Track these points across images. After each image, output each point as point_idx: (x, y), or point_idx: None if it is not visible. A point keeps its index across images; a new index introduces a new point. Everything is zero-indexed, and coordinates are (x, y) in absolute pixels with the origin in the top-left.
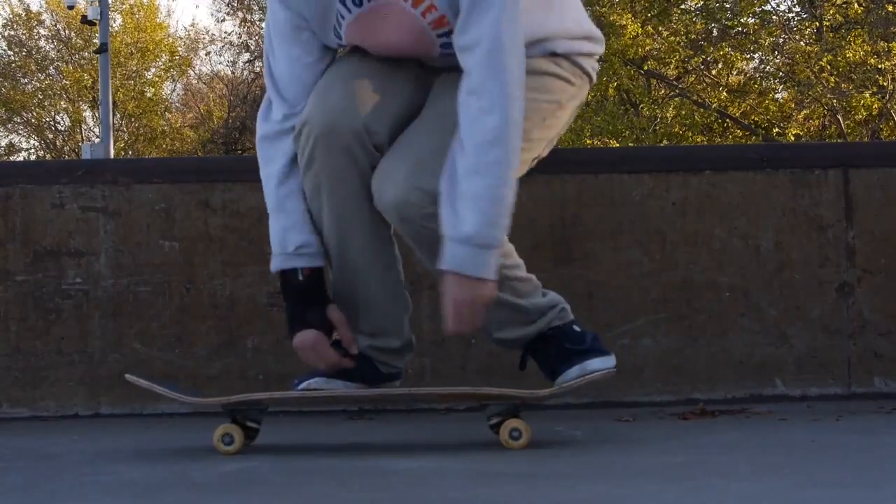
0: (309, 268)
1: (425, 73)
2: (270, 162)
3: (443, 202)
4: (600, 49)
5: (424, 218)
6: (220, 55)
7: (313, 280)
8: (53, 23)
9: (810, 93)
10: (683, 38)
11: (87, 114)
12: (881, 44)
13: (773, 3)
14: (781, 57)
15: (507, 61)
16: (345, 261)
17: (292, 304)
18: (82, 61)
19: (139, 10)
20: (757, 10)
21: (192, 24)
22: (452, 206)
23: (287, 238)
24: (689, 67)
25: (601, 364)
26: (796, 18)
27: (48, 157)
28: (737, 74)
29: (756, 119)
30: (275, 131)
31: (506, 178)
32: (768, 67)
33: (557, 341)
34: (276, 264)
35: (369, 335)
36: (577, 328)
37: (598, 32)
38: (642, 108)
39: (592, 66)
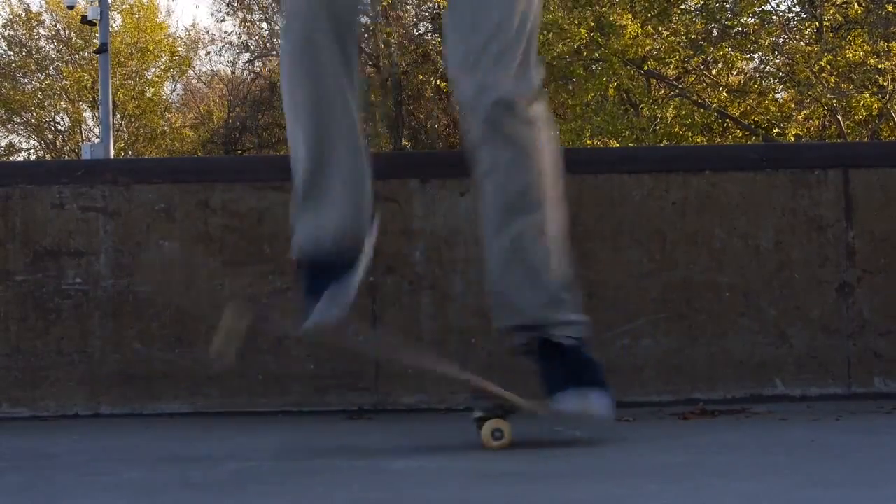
0: None
1: None
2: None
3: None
4: None
5: (523, 115)
6: (220, 55)
7: None
8: (53, 23)
9: (810, 93)
10: (683, 38)
11: (87, 114)
12: (881, 44)
13: (772, 3)
14: (781, 57)
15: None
16: (312, 136)
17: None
18: (82, 61)
19: (139, 10)
20: (757, 10)
21: (193, 25)
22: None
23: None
24: (689, 67)
25: (597, 407)
26: (796, 18)
27: (48, 157)
28: (737, 74)
29: (756, 119)
30: None
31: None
32: (768, 67)
33: (568, 357)
34: None
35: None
36: (589, 354)
37: None
38: (642, 108)
39: None
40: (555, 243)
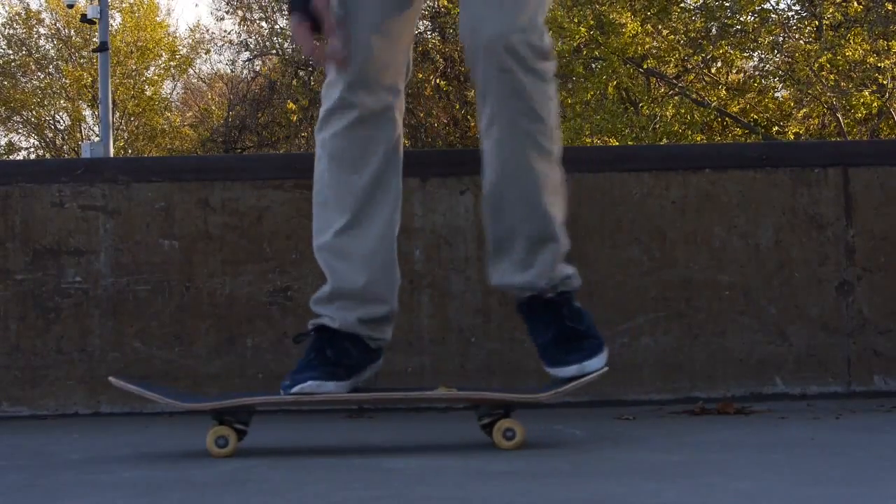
0: None
1: None
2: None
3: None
4: None
5: (520, 62)
6: (220, 54)
7: None
8: (53, 21)
9: (810, 91)
10: (683, 36)
11: (87, 112)
12: (881, 42)
13: (772, 2)
14: (781, 55)
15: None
16: (355, 208)
17: None
18: (82, 60)
19: (139, 9)
20: (756, 8)
21: (196, 25)
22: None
23: None
24: (689, 66)
25: (598, 364)
26: (796, 17)
27: (48, 155)
28: (736, 73)
29: (756, 118)
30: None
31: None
32: (768, 66)
33: (560, 312)
34: None
35: (357, 302)
36: (578, 304)
37: None
38: (642, 106)
39: None
40: (554, 192)
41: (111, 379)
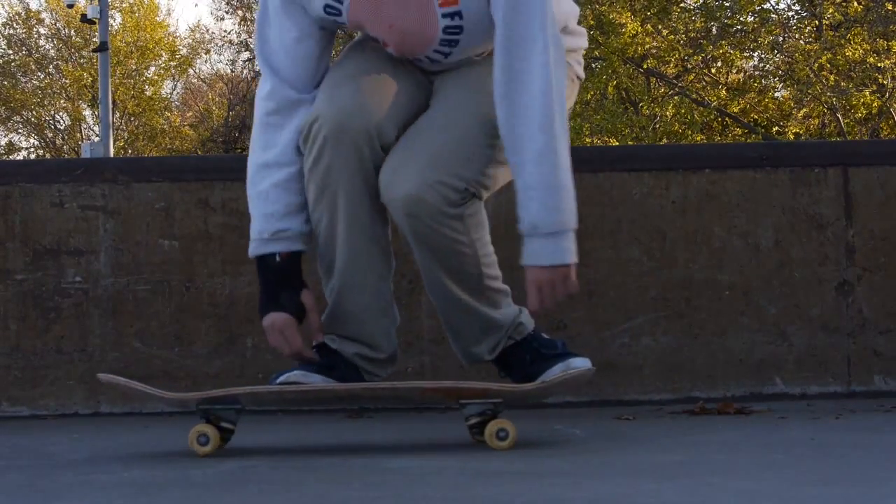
0: (287, 252)
1: (424, 75)
2: (266, 148)
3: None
4: (583, 43)
5: (434, 217)
6: (220, 54)
7: (290, 263)
8: (53, 21)
9: (810, 91)
10: (683, 36)
11: (87, 112)
12: (881, 42)
13: (772, 2)
14: (781, 55)
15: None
16: (342, 264)
17: (266, 285)
18: (82, 60)
19: (139, 9)
20: (756, 8)
21: (197, 25)
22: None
23: (266, 224)
24: (689, 66)
25: (582, 363)
26: (796, 17)
27: (48, 155)
28: (736, 73)
29: (756, 117)
30: (273, 109)
31: (558, 162)
32: (768, 66)
33: (531, 347)
34: (253, 249)
35: (356, 342)
36: (545, 335)
37: (576, 25)
38: (642, 106)
39: (578, 60)
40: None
41: (100, 375)
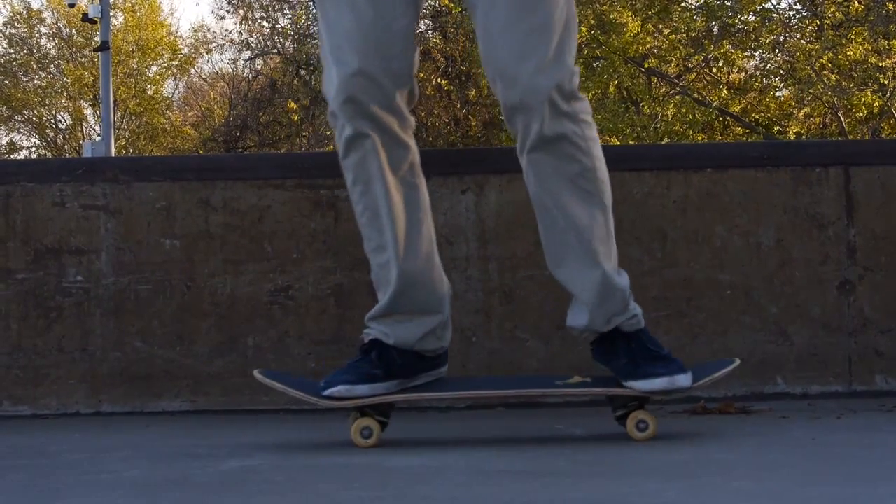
0: None
1: None
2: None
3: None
4: None
5: (553, 113)
6: (222, 53)
7: None
8: (54, 21)
9: (811, 91)
10: (684, 35)
11: (88, 112)
12: (882, 42)
13: (773, 1)
14: (782, 55)
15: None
16: (392, 235)
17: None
18: (83, 59)
19: (140, 8)
20: (757, 7)
21: (200, 25)
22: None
23: None
24: (690, 65)
25: (685, 381)
26: (797, 16)
27: (49, 155)
28: (737, 72)
29: (757, 117)
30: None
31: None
32: (769, 65)
33: (640, 341)
34: None
35: (424, 315)
36: (653, 341)
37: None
38: (643, 105)
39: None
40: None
41: (256, 375)
